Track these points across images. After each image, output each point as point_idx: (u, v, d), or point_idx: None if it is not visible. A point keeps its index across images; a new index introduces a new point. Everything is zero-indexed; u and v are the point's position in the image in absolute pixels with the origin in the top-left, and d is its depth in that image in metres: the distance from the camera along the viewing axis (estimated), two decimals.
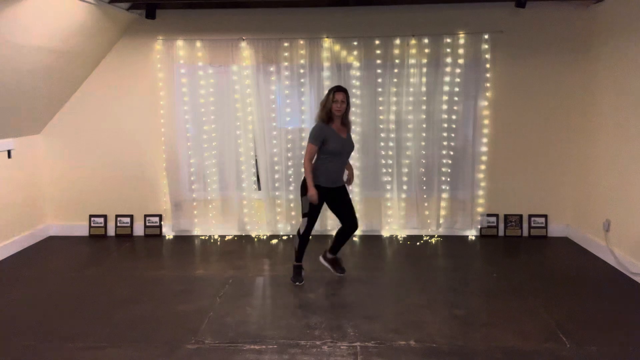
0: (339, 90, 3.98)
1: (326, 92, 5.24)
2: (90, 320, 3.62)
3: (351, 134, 4.30)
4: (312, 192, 3.95)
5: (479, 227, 5.56)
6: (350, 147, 4.16)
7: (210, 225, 5.67)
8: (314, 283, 4.27)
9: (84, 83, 5.47)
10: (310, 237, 4.22)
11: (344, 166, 4.19)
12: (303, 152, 5.43)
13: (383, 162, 5.48)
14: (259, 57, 5.34)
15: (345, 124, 4.12)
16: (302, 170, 4.45)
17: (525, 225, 5.57)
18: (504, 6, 5.16)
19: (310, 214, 4.08)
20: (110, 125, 5.57)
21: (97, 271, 4.64)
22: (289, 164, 5.51)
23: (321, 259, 4.45)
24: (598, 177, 4.94)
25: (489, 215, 5.56)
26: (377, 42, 5.25)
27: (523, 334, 3.35)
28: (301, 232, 4.17)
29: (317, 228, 5.59)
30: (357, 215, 5.55)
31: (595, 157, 5.00)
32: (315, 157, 4.06)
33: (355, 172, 5.50)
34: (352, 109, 5.39)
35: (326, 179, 4.05)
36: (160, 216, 5.72)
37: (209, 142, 5.50)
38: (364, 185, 5.56)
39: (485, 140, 5.39)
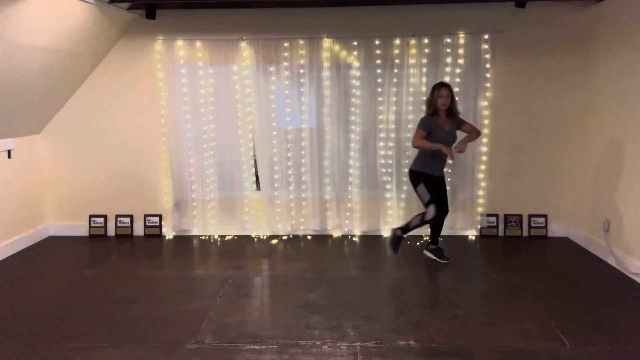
0: (443, 86, 4.45)
1: (327, 92, 5.32)
2: (90, 320, 3.62)
3: (463, 119, 4.71)
4: (445, 149, 4.32)
5: (479, 227, 5.56)
6: (453, 137, 4.56)
7: (210, 225, 5.67)
8: (314, 283, 4.26)
9: (84, 83, 5.47)
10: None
11: (446, 156, 4.51)
12: (303, 152, 5.47)
13: (383, 162, 5.48)
14: (259, 57, 5.34)
15: (453, 114, 4.56)
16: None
17: (525, 225, 5.57)
18: (504, 6, 5.16)
19: (434, 198, 4.49)
20: (110, 125, 5.57)
21: (97, 271, 4.64)
22: (289, 164, 5.51)
23: (425, 252, 4.87)
24: (598, 177, 4.94)
25: (489, 215, 5.56)
26: (377, 42, 5.25)
27: (523, 334, 3.35)
28: (427, 218, 4.54)
29: (316, 228, 5.62)
30: (357, 215, 5.62)
31: (595, 157, 5.00)
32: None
33: (355, 172, 5.52)
34: (352, 109, 5.41)
35: (430, 167, 4.51)
36: (160, 216, 5.72)
37: (209, 142, 5.50)
38: (363, 185, 5.56)
39: (485, 140, 5.38)
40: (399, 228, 4.75)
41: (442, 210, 4.60)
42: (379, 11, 5.26)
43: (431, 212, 4.52)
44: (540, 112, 5.36)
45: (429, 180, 4.51)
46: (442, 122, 4.50)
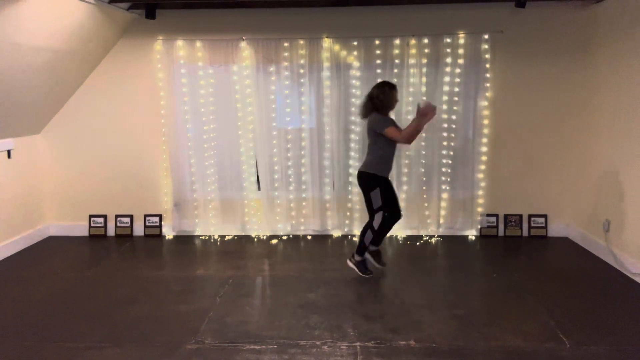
0: (395, 88, 4.24)
1: (327, 92, 5.31)
2: (90, 320, 3.62)
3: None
4: (425, 109, 3.85)
5: (479, 227, 5.56)
6: None
7: (210, 225, 5.67)
8: (314, 283, 4.26)
9: (84, 83, 5.47)
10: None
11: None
12: (303, 152, 5.46)
13: None
14: (259, 57, 5.34)
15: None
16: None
17: (525, 225, 5.57)
18: (504, 6, 5.16)
19: (384, 204, 4.19)
20: (110, 125, 5.57)
21: (97, 271, 4.64)
22: (289, 164, 5.51)
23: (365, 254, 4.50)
24: (598, 177, 4.94)
25: (489, 215, 5.56)
26: (377, 42, 5.25)
27: (523, 334, 3.35)
28: (375, 227, 4.23)
29: (316, 228, 5.62)
30: (357, 215, 5.62)
31: (595, 157, 5.00)
32: (375, 146, 4.20)
33: (355, 172, 5.49)
34: (352, 109, 5.40)
35: (385, 169, 4.23)
36: (160, 216, 5.72)
37: (209, 142, 5.50)
38: None
39: (485, 140, 5.38)
40: (353, 255, 4.41)
41: (398, 215, 4.34)
42: (379, 11, 5.26)
43: (379, 219, 4.21)
44: (540, 112, 5.36)
45: (385, 184, 4.22)
46: None
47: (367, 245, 4.32)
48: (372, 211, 4.26)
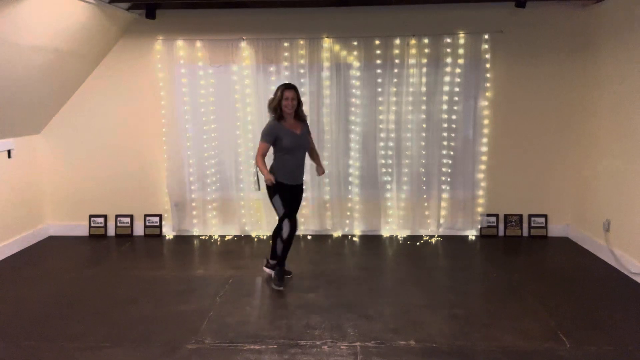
0: (288, 88, 3.96)
1: (327, 92, 5.31)
2: (90, 320, 3.62)
3: (309, 128, 4.25)
4: (268, 175, 3.88)
5: (479, 227, 5.56)
6: (306, 142, 4.13)
7: (210, 225, 5.67)
8: (314, 283, 4.26)
9: (84, 83, 5.47)
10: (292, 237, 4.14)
11: (302, 162, 4.13)
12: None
13: (383, 162, 5.48)
14: (259, 57, 5.34)
15: (301, 119, 4.11)
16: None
17: (525, 225, 5.57)
18: (504, 6, 5.16)
19: (287, 212, 4.04)
20: (110, 125, 5.57)
21: (97, 271, 4.64)
22: None
23: (265, 268, 4.37)
24: (598, 177, 4.94)
25: (489, 215, 5.55)
26: (377, 42, 5.25)
27: (523, 334, 3.35)
28: (284, 236, 4.08)
29: (316, 228, 5.62)
30: (358, 215, 5.61)
31: (595, 157, 5.00)
32: (274, 155, 4.08)
33: (355, 172, 5.52)
34: (352, 109, 5.40)
35: (285, 176, 4.01)
36: (160, 216, 5.72)
37: (209, 142, 5.50)
38: (363, 185, 5.56)
39: (485, 140, 5.38)
40: (268, 265, 4.34)
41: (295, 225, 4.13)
42: (379, 11, 5.26)
43: (285, 228, 4.06)
44: (540, 111, 5.36)
45: (283, 190, 4.01)
46: (290, 126, 4.02)
47: (281, 255, 4.17)
48: (278, 219, 4.14)
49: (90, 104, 5.51)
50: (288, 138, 3.97)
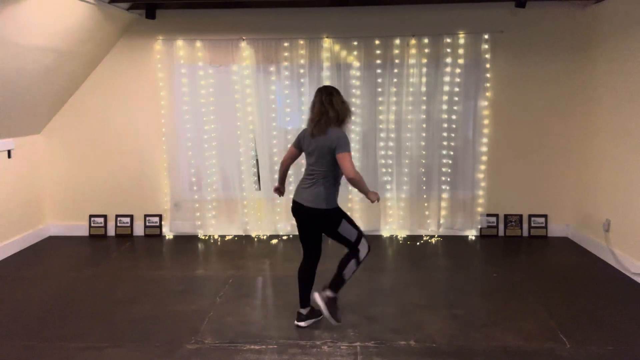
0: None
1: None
2: (90, 320, 3.62)
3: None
4: (375, 194, 3.30)
5: (479, 227, 5.56)
6: None
7: (210, 225, 5.67)
8: (314, 283, 4.25)
9: (84, 83, 5.47)
10: None
11: None
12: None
13: (383, 162, 5.48)
14: (259, 57, 5.34)
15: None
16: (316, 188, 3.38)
17: (525, 225, 5.57)
18: (504, 6, 5.16)
19: (359, 230, 3.40)
20: (110, 125, 5.57)
21: (97, 271, 4.64)
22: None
23: (317, 296, 3.37)
24: (598, 177, 4.94)
25: (489, 215, 5.55)
26: (377, 42, 5.25)
27: (523, 334, 3.35)
28: (362, 257, 3.37)
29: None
30: (357, 214, 5.61)
31: (595, 157, 5.00)
32: (323, 173, 3.34)
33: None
34: (352, 109, 5.38)
35: (336, 198, 3.41)
36: (160, 216, 5.72)
37: (209, 142, 5.50)
38: None
39: (485, 140, 5.38)
40: (328, 288, 3.35)
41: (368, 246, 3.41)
42: (379, 11, 5.26)
43: (363, 249, 3.36)
44: (540, 111, 5.36)
45: (342, 212, 3.40)
46: None
47: (347, 278, 3.38)
48: (351, 245, 3.38)
49: (90, 104, 5.51)
50: None
